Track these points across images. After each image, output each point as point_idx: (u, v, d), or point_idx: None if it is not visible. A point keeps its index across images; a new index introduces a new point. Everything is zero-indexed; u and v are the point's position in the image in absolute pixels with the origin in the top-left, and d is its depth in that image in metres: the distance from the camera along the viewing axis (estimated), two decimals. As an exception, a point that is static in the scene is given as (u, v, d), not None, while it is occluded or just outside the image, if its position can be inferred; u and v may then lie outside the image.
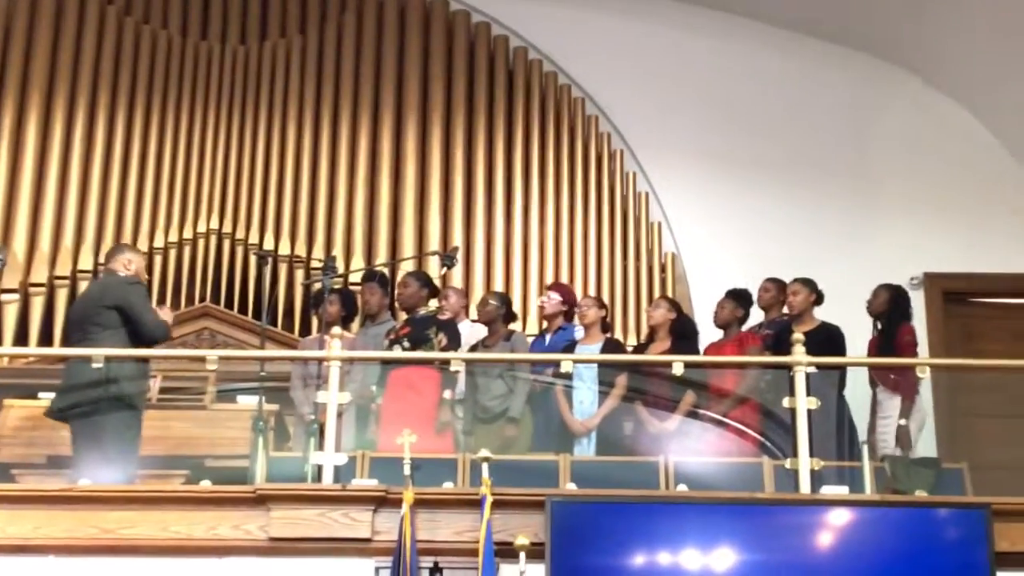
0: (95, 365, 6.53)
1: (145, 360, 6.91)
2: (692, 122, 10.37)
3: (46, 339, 9.57)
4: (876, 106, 10.39)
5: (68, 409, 6.74)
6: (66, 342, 7.41)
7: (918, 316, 8.53)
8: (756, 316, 8.21)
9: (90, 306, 6.95)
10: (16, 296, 9.74)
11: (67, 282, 9.82)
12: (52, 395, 6.93)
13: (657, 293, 9.79)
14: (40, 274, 9.87)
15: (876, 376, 7.62)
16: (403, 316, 8.14)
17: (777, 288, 8.15)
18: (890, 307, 7.84)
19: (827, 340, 7.44)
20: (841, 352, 7.54)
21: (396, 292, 8.19)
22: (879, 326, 7.85)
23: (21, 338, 9.58)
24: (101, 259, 9.07)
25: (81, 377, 6.70)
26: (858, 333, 7.85)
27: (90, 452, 6.59)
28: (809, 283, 7.91)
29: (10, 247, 9.83)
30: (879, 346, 7.74)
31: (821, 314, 7.87)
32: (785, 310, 8.01)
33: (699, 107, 10.37)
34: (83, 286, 9.33)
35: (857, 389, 7.61)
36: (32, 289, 9.82)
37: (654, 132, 10.43)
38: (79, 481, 6.25)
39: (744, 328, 7.99)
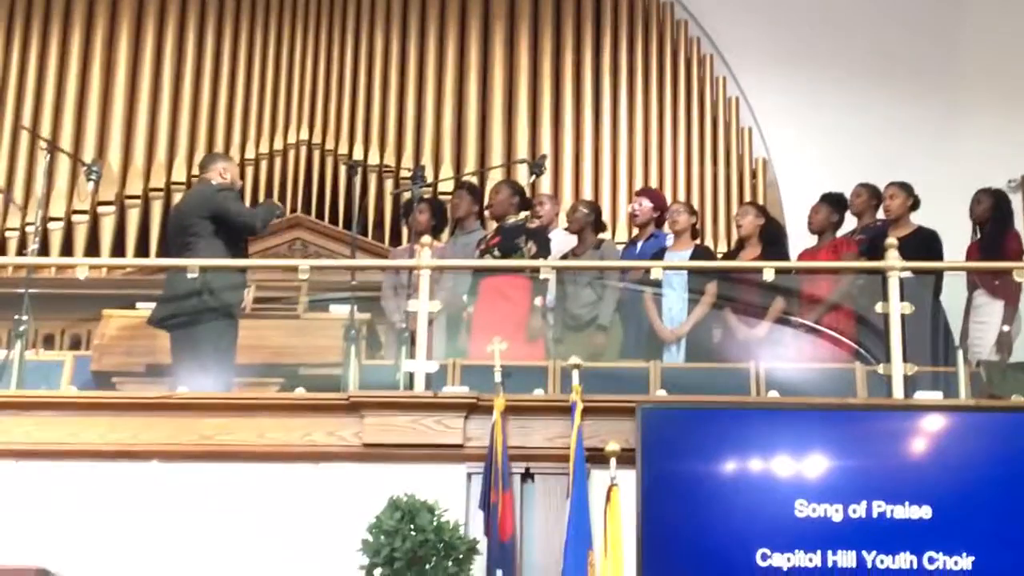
0: (190, 275, 6.60)
1: (240, 270, 6.97)
2: (782, 24, 10.20)
3: (142, 250, 9.75)
4: (967, 0, 10.13)
5: (167, 318, 6.83)
6: (166, 252, 7.49)
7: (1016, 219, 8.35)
8: (850, 223, 8.09)
9: (185, 216, 7.03)
10: (112, 208, 9.90)
11: (161, 194, 9.97)
12: (150, 305, 7.03)
13: (748, 199, 9.70)
14: (135, 186, 10.01)
15: (978, 280, 7.48)
16: (493, 225, 8.13)
17: (869, 193, 8.02)
18: (993, 213, 7.69)
19: (923, 244, 7.32)
20: (938, 257, 7.42)
21: (487, 200, 8.16)
22: (980, 231, 7.70)
23: (118, 249, 9.75)
24: (194, 171, 9.16)
25: (179, 287, 6.78)
26: (953, 237, 7.70)
27: (188, 360, 6.69)
28: (906, 187, 7.77)
29: (105, 160, 9.97)
30: (981, 251, 7.58)
31: (917, 219, 7.74)
32: (880, 215, 7.89)
33: (788, 8, 10.20)
34: (177, 198, 9.43)
35: (953, 294, 7.48)
36: (128, 201, 9.98)
37: (743, 36, 10.29)
38: (177, 389, 6.35)
39: (839, 234, 7.87)
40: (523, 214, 7.90)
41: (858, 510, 5.63)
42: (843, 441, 5.78)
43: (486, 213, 8.45)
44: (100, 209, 9.90)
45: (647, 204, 8.23)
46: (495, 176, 9.37)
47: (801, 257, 7.86)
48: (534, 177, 8.34)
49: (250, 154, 10.08)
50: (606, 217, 9.31)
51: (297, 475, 6.02)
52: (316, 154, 10.09)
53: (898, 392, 6.07)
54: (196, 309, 6.75)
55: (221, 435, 6.08)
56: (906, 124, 9.86)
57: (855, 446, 5.77)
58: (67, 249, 9.69)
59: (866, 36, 10.10)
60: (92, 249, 9.69)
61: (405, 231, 9.21)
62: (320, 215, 9.89)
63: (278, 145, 10.11)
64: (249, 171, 9.98)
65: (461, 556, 5.46)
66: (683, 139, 10.17)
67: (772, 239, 7.72)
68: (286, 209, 9.82)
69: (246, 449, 6.05)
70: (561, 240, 8.30)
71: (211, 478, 6.02)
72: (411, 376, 6.21)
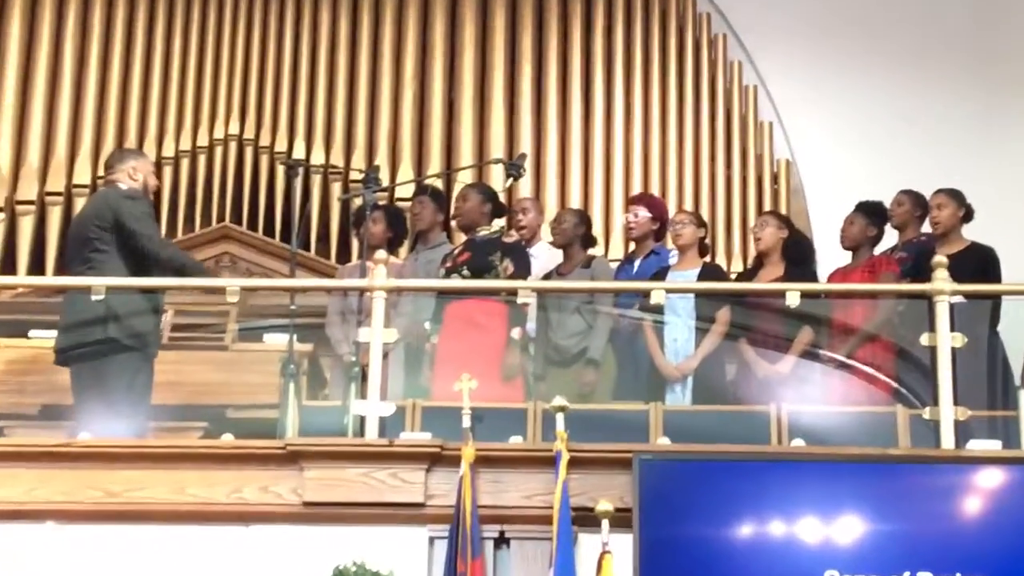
0: (95, 298, 6.58)
1: (154, 291, 6.96)
2: (809, 1, 10.24)
3: (37, 266, 9.69)
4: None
5: (66, 350, 6.81)
6: (65, 270, 7.46)
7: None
8: (891, 238, 8.13)
9: (86, 227, 6.99)
10: (0, 216, 9.85)
11: (60, 199, 9.92)
12: (46, 333, 7.00)
13: (767, 207, 9.73)
14: (28, 190, 9.96)
15: (1046, 308, 7.53)
16: (462, 238, 8.13)
17: (913, 202, 8.05)
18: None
19: (978, 264, 7.35)
20: (996, 278, 7.44)
21: (454, 208, 8.18)
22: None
23: (7, 266, 9.70)
24: (101, 170, 9.13)
25: (80, 313, 6.75)
26: (1013, 255, 7.73)
27: (92, 401, 6.66)
28: (956, 195, 7.79)
29: (-12, 158, 9.95)
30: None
31: (970, 233, 7.78)
32: (925, 228, 7.92)
33: (817, -17, 10.30)
34: (81, 204, 9.40)
35: (1014, 324, 7.51)
36: (19, 208, 9.93)
37: (763, 12, 10.35)
38: (79, 435, 6.32)
39: (877, 251, 7.90)
40: (498, 224, 7.91)
41: (900, 583, 5.66)
42: (882, 500, 5.79)
43: (453, 223, 8.45)
44: (-20, 218, 9.88)
45: (645, 214, 8.23)
46: (464, 179, 9.36)
47: (832, 278, 7.88)
48: (511, 180, 8.33)
49: (168, 151, 10.07)
50: (597, 229, 9.33)
51: (224, 539, 6.00)
52: (248, 152, 10.10)
53: (948, 441, 6.07)
54: (101, 339, 6.72)
55: (132, 491, 6.05)
56: (961, 119, 9.95)
57: (896, 506, 5.78)
58: (-61, 266, 9.68)
59: (914, 10, 10.17)
60: (-29, 267, 9.68)
61: (356, 245, 9.19)
62: (253, 225, 9.89)
63: (203, 141, 10.11)
64: (167, 172, 9.97)
65: (422, 638, 5.46)
66: (690, 136, 10.21)
67: (797, 256, 7.75)
68: (211, 217, 9.82)
69: (162, 508, 6.03)
70: (544, 257, 8.31)
71: (119, 542, 5.99)
72: (362, 420, 6.21)
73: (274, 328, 7.37)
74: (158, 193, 9.11)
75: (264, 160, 10.08)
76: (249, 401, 7.02)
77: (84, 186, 9.92)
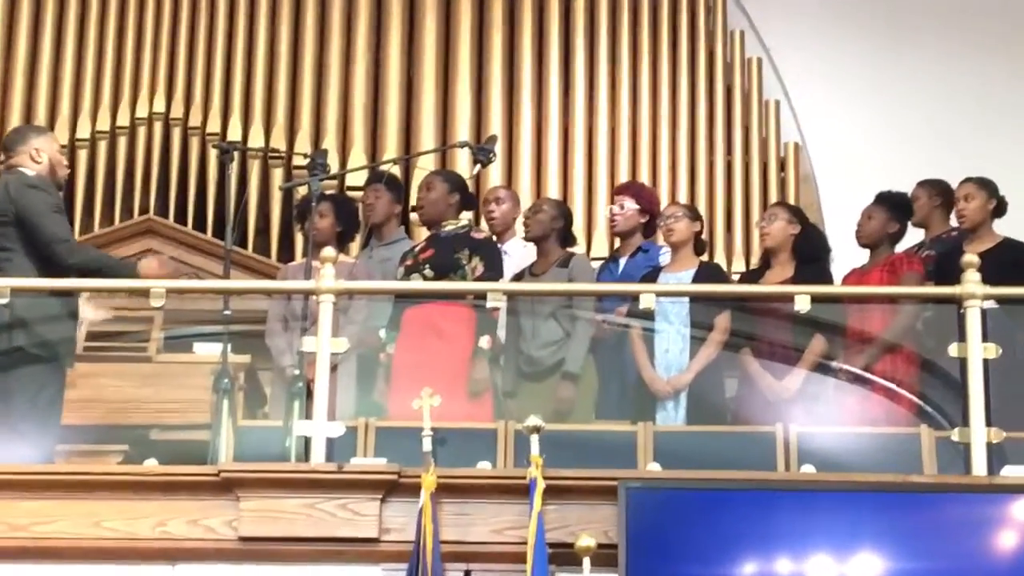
0: (-1, 301, 6.57)
1: (68, 295, 6.94)
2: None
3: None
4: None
5: (-38, 362, 6.80)
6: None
7: None
8: (914, 234, 8.16)
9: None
10: None
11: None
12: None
13: (774, 198, 9.75)
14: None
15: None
16: (424, 233, 8.13)
17: (936, 193, 8.08)
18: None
19: (1012, 262, 7.36)
20: (1032, 279, 7.48)
21: (416, 198, 8.18)
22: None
23: None
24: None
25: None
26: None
27: (-6, 421, 6.65)
28: (987, 185, 7.81)
29: None
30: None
31: (1003, 228, 7.81)
32: (953, 222, 7.95)
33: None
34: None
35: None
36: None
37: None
38: (-23, 460, 6.31)
39: (898, 248, 7.93)
40: (465, 218, 7.90)
41: (925, 627, 5.69)
42: (904, 534, 5.81)
43: (413, 216, 8.44)
44: None
45: (631, 205, 8.24)
46: (426, 165, 9.36)
47: (847, 280, 7.90)
48: (479, 167, 8.32)
49: (83, 132, 10.06)
50: (578, 223, 9.35)
51: (147, 580, 6.00)
52: (176, 133, 10.10)
53: (979, 467, 6.08)
54: (4, 349, 6.70)
55: (40, 524, 6.03)
56: (996, 98, 10.00)
57: (921, 541, 5.81)
58: None
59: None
60: None
61: (300, 241, 9.19)
62: (181, 218, 9.90)
63: (123, 120, 10.10)
64: (82, 155, 9.97)
65: None
66: (685, 116, 10.24)
67: (809, 254, 7.75)
68: (133, 209, 9.79)
69: (76, 544, 6.01)
70: (518, 255, 8.31)
71: (26, 585, 5.98)
72: (306, 443, 6.20)
73: (205, 337, 7.36)
74: (71, 181, 9.09)
75: (194, 143, 10.08)
76: (176, 421, 7.06)
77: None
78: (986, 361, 6.24)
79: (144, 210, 9.87)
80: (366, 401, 7.33)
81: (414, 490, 5.88)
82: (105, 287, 7.24)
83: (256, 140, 10.09)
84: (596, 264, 8.65)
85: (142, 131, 10.08)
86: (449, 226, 7.80)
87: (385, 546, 5.97)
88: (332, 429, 6.23)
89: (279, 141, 10.11)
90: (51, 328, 6.81)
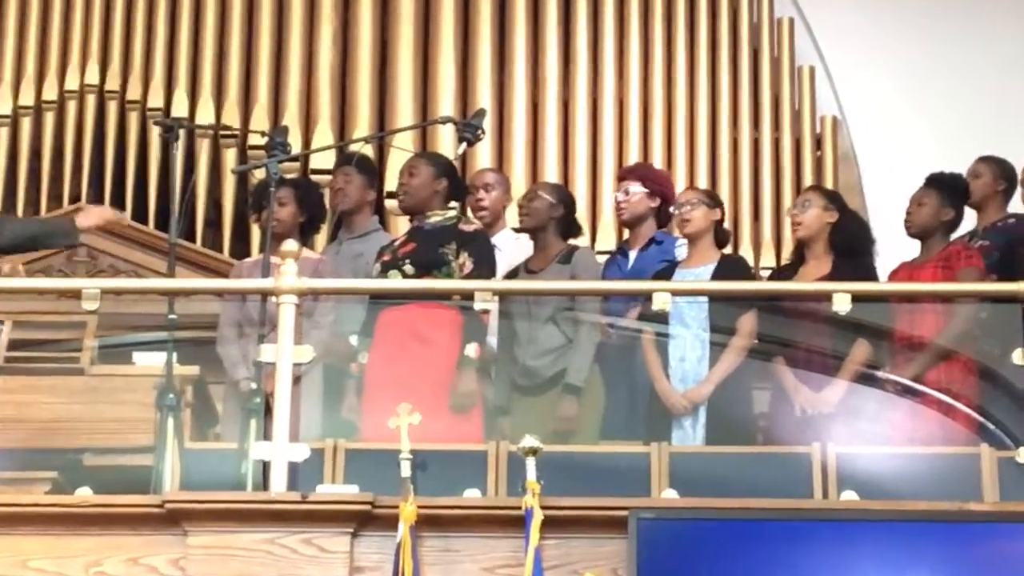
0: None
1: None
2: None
3: None
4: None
5: None
6: None
7: None
8: (970, 221, 8.17)
9: None
10: None
11: None
12: None
13: (809, 181, 9.75)
14: None
15: None
16: (404, 225, 8.12)
17: (996, 173, 8.11)
18: None
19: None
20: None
21: (398, 184, 8.18)
22: None
23: None
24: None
25: None
26: None
27: None
28: (1057, 162, 7.88)
29: None
30: None
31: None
32: (1016, 208, 7.96)
33: None
34: None
35: None
36: None
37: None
38: None
39: (954, 238, 7.94)
40: (453, 208, 7.91)
41: None
42: (961, 570, 5.82)
43: (389, 204, 8.44)
44: None
45: (639, 189, 8.26)
46: (403, 145, 9.37)
47: (895, 276, 7.93)
48: (465, 146, 8.34)
49: (3, 108, 10.07)
50: (581, 212, 9.34)
51: (80, 630, 6.00)
52: (111, 108, 10.14)
53: (1049, 492, 6.13)
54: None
55: (-46, 564, 6.04)
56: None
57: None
58: None
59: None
60: None
61: (257, 233, 9.20)
62: (118, 206, 9.81)
63: (50, 94, 10.13)
64: (2, 134, 9.99)
65: None
66: (705, 86, 10.30)
67: (850, 246, 7.77)
68: (63, 195, 9.78)
69: (-3, 586, 6.02)
70: (510, 248, 8.33)
71: (-62, 635, 5.99)
72: (265, 468, 6.21)
73: (147, 345, 7.36)
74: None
75: (133, 119, 10.13)
76: (114, 443, 7.05)
77: None
78: (1055, 369, 6.27)
79: (75, 198, 9.90)
80: (334, 419, 7.35)
81: (391, 523, 5.89)
82: (32, 287, 7.26)
83: (205, 116, 10.13)
84: (602, 259, 8.66)
85: (72, 106, 10.13)
86: (434, 217, 7.83)
87: (358, 587, 5.98)
88: (295, 452, 6.23)
89: (232, 117, 10.17)
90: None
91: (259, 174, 8.27)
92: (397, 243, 7.86)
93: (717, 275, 7.75)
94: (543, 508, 5.83)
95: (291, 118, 10.03)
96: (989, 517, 6.14)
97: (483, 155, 9.84)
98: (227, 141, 10.08)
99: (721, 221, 8.04)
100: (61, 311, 7.63)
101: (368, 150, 9.20)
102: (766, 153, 10.19)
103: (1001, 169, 8.12)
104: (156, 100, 10.12)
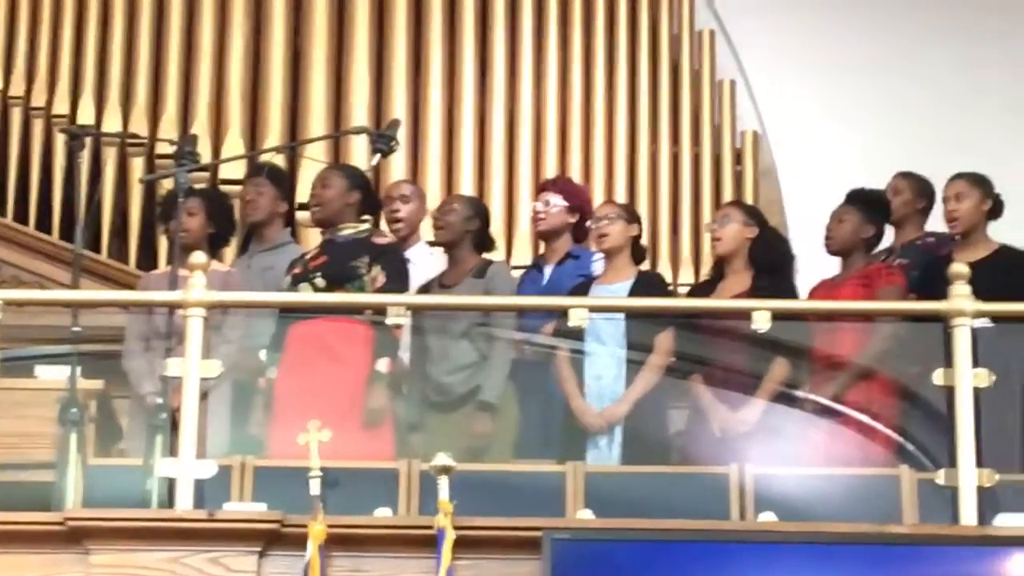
0: None
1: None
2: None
3: None
4: None
5: None
6: None
7: None
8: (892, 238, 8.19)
9: None
10: None
11: None
12: None
13: (728, 196, 9.76)
14: None
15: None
16: (316, 237, 8.08)
17: (917, 190, 8.17)
18: None
19: (1009, 274, 7.40)
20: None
21: (310, 196, 8.15)
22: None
23: None
24: None
25: None
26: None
27: None
28: (981, 182, 7.89)
29: None
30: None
31: (999, 233, 7.83)
32: (931, 226, 7.97)
33: None
34: None
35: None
36: None
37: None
38: None
39: (874, 255, 7.95)
40: (366, 221, 7.87)
41: None
42: (882, 595, 5.82)
43: (300, 216, 8.39)
44: None
45: (558, 202, 8.27)
46: (315, 155, 9.33)
47: (814, 294, 7.93)
48: (379, 157, 8.30)
49: None
50: (497, 226, 9.32)
51: (-24, 653, 5.95)
52: (15, 115, 10.10)
53: (969, 515, 6.11)
54: None
55: None
56: (993, 80, 10.08)
57: (900, 602, 5.83)
58: None
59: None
60: None
61: (164, 244, 9.11)
62: (21, 216, 9.89)
63: (-56, 100, 10.05)
64: None
65: None
66: (623, 99, 10.33)
67: (770, 262, 7.81)
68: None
69: None
70: (424, 263, 8.31)
71: None
72: (170, 485, 6.16)
73: (49, 359, 7.27)
74: None
75: (38, 126, 10.07)
76: (14, 458, 6.99)
77: None
78: (977, 390, 6.26)
79: (-26, 207, 9.81)
80: (242, 436, 7.35)
81: (299, 541, 5.86)
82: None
83: (112, 124, 10.08)
84: (517, 273, 8.65)
85: (-29, 113, 10.03)
86: (347, 230, 7.83)
87: (265, 609, 5.95)
88: (202, 469, 6.21)
89: (139, 125, 10.09)
90: None
91: (167, 184, 8.27)
92: (308, 256, 7.86)
93: (634, 291, 7.78)
94: (455, 528, 5.81)
95: (201, 127, 9.99)
96: (908, 540, 6.15)
97: (397, 166, 9.83)
98: (135, 150, 10.05)
99: (639, 237, 8.08)
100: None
101: (280, 160, 9.17)
102: (686, 168, 10.22)
103: (921, 186, 8.17)
104: (62, 107, 10.09)
